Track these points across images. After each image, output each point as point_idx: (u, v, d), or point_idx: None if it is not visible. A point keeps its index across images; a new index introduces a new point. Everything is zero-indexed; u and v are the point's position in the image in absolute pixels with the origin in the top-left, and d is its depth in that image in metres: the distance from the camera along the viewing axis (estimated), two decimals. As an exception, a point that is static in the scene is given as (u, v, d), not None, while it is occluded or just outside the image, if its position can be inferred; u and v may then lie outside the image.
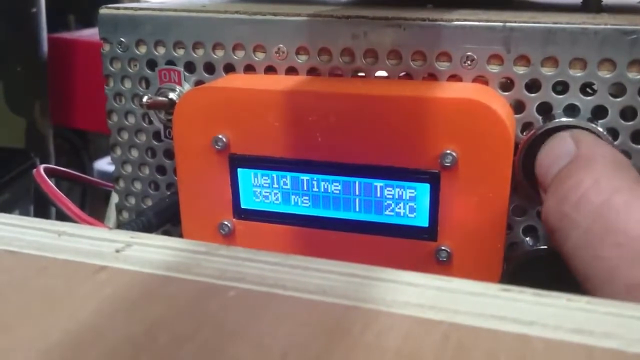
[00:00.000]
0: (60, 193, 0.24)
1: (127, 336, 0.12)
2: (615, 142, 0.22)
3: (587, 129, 0.22)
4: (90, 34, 0.69)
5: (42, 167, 0.26)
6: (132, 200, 0.30)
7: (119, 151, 0.29)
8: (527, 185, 0.23)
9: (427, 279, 0.15)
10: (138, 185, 0.29)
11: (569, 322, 0.13)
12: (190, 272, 0.15)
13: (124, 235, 0.17)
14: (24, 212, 0.64)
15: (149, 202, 0.29)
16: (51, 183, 0.25)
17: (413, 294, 0.14)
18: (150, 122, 0.28)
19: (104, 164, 0.94)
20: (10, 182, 0.61)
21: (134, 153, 0.29)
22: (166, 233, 0.29)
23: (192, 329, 0.13)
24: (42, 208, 0.62)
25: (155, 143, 0.28)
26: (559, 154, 0.21)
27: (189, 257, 0.16)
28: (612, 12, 0.25)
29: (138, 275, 0.15)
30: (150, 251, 0.16)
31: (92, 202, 0.77)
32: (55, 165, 0.33)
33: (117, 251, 0.16)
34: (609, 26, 0.21)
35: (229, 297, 0.14)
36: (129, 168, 0.29)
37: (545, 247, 0.23)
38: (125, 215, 0.30)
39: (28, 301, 0.14)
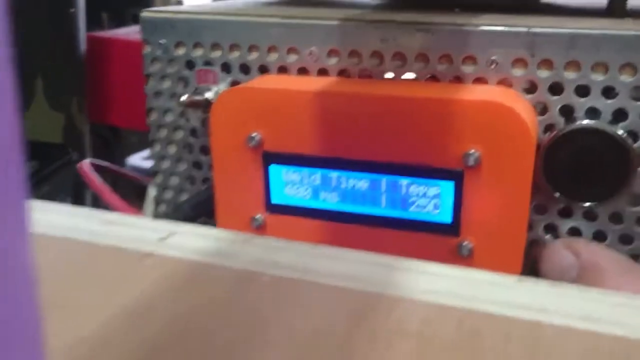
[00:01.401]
0: (105, 186, 0.26)
1: (172, 316, 0.14)
2: (636, 144, 0.23)
3: (607, 132, 0.22)
4: (125, 32, 0.72)
5: (86, 161, 0.28)
6: (169, 194, 0.31)
7: (157, 147, 0.31)
8: (548, 185, 0.24)
9: (446, 269, 0.16)
10: (175, 180, 0.31)
11: (578, 311, 0.14)
12: (227, 259, 0.16)
13: (167, 225, 0.18)
14: (65, 201, 0.67)
15: (185, 196, 0.31)
16: (96, 176, 0.27)
17: (432, 282, 0.15)
18: (188, 119, 0.29)
19: (134, 160, 0.96)
20: (49, 175, 0.64)
21: (172, 149, 0.30)
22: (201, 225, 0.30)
23: (230, 312, 0.14)
24: (80, 200, 0.65)
25: (192, 139, 0.30)
26: (562, 269, 0.22)
27: (227, 246, 0.17)
28: (636, 17, 0.26)
29: (180, 262, 0.16)
30: (191, 240, 0.17)
31: (122, 196, 0.79)
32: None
33: (161, 239, 0.17)
34: (630, 32, 0.22)
35: (263, 283, 0.15)
36: (166, 163, 0.31)
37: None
38: (162, 207, 0.32)
39: (84, 284, 0.15)
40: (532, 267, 0.24)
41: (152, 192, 0.32)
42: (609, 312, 0.14)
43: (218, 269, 0.16)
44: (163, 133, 0.30)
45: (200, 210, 0.28)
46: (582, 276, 0.22)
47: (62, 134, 0.66)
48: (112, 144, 0.77)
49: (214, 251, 0.17)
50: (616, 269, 0.22)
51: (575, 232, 0.25)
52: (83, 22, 0.64)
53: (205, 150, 0.30)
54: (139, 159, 0.97)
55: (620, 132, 0.22)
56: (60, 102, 0.63)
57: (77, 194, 0.63)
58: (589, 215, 0.24)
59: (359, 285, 0.15)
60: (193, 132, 0.30)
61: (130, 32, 0.73)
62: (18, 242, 0.07)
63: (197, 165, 0.30)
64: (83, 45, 0.65)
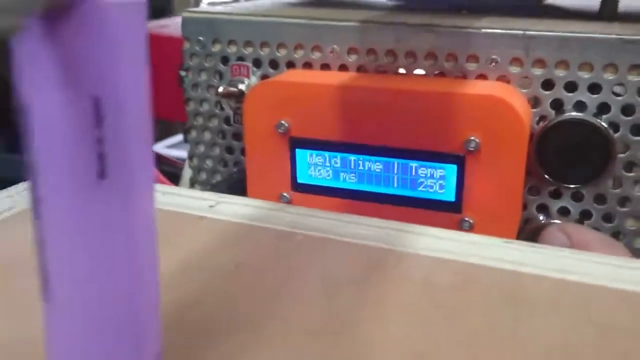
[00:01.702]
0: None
1: (224, 263, 0.17)
2: (617, 134, 0.26)
3: (592, 123, 0.26)
4: (153, 26, 0.75)
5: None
6: (204, 176, 0.35)
7: (194, 133, 0.34)
8: (539, 169, 0.27)
9: (446, 233, 0.19)
10: (209, 163, 0.34)
11: (551, 264, 0.17)
12: (267, 222, 0.20)
13: (214, 196, 0.22)
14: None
15: (218, 177, 0.34)
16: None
17: (434, 242, 0.19)
18: (222, 109, 0.33)
19: (157, 148, 1.00)
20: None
21: (207, 135, 0.34)
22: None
23: (270, 263, 0.18)
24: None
25: (226, 127, 0.33)
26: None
27: (265, 212, 0.20)
28: (626, 20, 0.29)
29: (228, 224, 0.20)
30: (235, 207, 0.21)
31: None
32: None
33: (211, 206, 0.21)
34: (612, 36, 0.25)
35: (297, 240, 0.19)
36: (202, 148, 0.34)
37: (554, 221, 0.28)
38: (197, 187, 0.35)
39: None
40: (524, 239, 0.28)
41: (187, 173, 0.36)
42: (577, 265, 0.17)
43: (260, 230, 0.19)
44: (199, 121, 0.34)
45: (233, 190, 0.32)
46: None
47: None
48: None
49: (255, 216, 0.20)
50: (601, 247, 0.25)
51: (564, 211, 0.28)
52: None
53: (236, 136, 0.33)
54: (162, 147, 1.01)
55: (603, 123, 0.26)
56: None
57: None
58: (576, 196, 0.28)
59: (373, 243, 0.18)
60: (227, 120, 0.33)
61: (153, 27, 0.77)
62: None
63: (229, 149, 0.34)
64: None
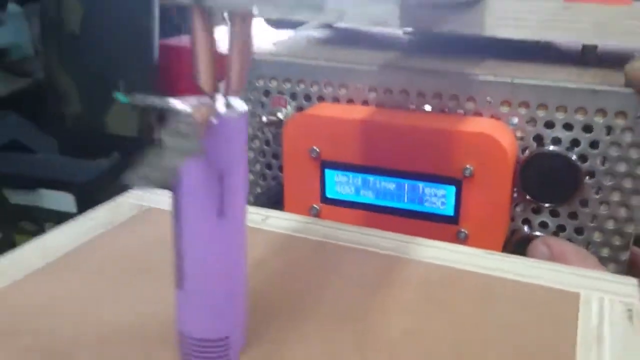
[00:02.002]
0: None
1: (275, 266, 0.24)
2: (585, 164, 0.32)
3: (565, 155, 0.32)
4: (185, 40, 0.82)
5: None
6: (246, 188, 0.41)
7: (239, 151, 0.41)
8: (523, 190, 0.33)
9: (441, 244, 0.26)
10: (251, 177, 0.41)
11: (519, 271, 0.24)
12: (305, 234, 0.26)
13: (263, 211, 0.29)
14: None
15: (258, 190, 0.41)
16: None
17: (432, 251, 0.25)
18: (263, 132, 0.40)
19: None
20: (128, 164, 0.75)
21: (250, 154, 0.41)
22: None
23: (308, 264, 0.24)
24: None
25: (266, 147, 0.40)
26: (539, 258, 0.32)
27: (304, 225, 0.27)
28: (604, 63, 0.35)
29: (276, 234, 0.26)
30: (281, 221, 0.28)
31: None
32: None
33: (263, 220, 0.28)
34: (583, 86, 0.31)
35: (328, 248, 0.25)
36: (245, 164, 0.41)
37: (535, 233, 0.34)
38: (240, 197, 0.42)
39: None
40: (511, 249, 0.34)
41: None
42: (538, 273, 0.24)
43: (299, 239, 0.26)
44: (244, 141, 0.40)
45: (272, 201, 0.38)
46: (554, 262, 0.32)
47: (137, 128, 0.77)
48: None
49: (295, 228, 0.27)
50: (575, 257, 0.31)
51: (544, 224, 0.34)
52: (157, 33, 0.75)
53: (275, 156, 0.40)
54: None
55: (574, 156, 0.32)
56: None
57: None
58: (553, 213, 0.34)
59: (385, 252, 0.25)
60: (267, 142, 0.40)
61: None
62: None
63: (268, 166, 0.40)
64: (157, 52, 0.75)
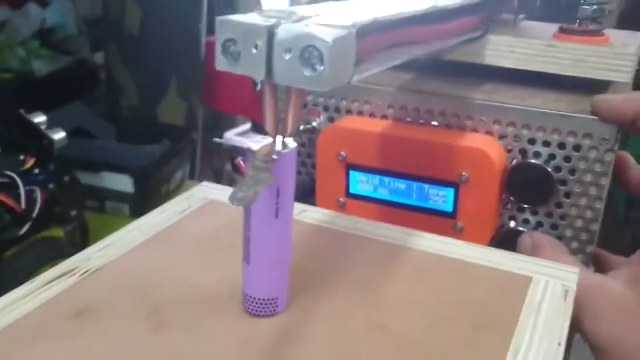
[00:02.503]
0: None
1: (308, 249, 0.33)
2: (559, 174, 0.40)
3: (543, 167, 0.40)
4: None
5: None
6: (284, 180, 0.50)
7: (279, 151, 0.49)
8: (509, 193, 0.41)
9: (436, 237, 0.34)
10: (289, 172, 0.50)
11: (493, 259, 0.32)
12: (334, 225, 0.35)
13: (300, 206, 0.37)
14: (184, 175, 0.87)
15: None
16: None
17: (428, 242, 0.33)
18: (300, 136, 0.48)
19: (229, 134, 1.17)
20: (178, 152, 0.84)
21: (288, 153, 0.49)
22: (303, 202, 0.49)
23: (331, 250, 0.33)
24: (193, 170, 0.85)
25: (302, 149, 0.48)
26: (524, 247, 0.40)
27: (330, 218, 0.36)
28: (579, 89, 0.42)
29: (309, 225, 0.35)
30: (314, 214, 0.36)
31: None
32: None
33: (300, 213, 0.36)
34: (559, 112, 0.39)
35: (346, 237, 0.34)
36: (284, 161, 0.50)
37: (519, 228, 0.42)
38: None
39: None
40: (498, 239, 0.42)
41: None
42: (504, 261, 0.32)
43: (325, 229, 0.35)
44: (283, 143, 0.49)
45: (306, 193, 0.47)
46: (533, 251, 0.40)
47: (185, 118, 0.86)
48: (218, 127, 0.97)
49: (323, 220, 0.36)
50: (550, 247, 0.39)
51: (526, 221, 0.42)
52: (204, 31, 0.83)
53: (309, 156, 0.48)
54: (232, 134, 1.18)
55: (549, 168, 0.40)
56: (185, 93, 0.83)
57: (192, 165, 0.83)
58: (534, 212, 0.42)
59: (392, 241, 0.33)
60: (302, 144, 0.48)
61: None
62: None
63: (303, 164, 0.49)
64: (203, 49, 0.84)
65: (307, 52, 0.22)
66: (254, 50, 0.23)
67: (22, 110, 0.63)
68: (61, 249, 0.66)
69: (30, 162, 0.64)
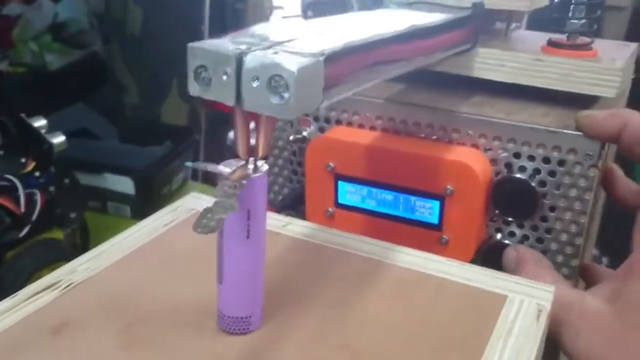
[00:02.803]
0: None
1: (290, 263, 0.33)
2: (544, 188, 0.40)
3: (527, 181, 0.40)
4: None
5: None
6: (276, 188, 0.51)
7: (271, 159, 0.50)
8: (494, 207, 0.42)
9: (416, 252, 0.34)
10: (280, 180, 0.50)
11: (469, 276, 0.32)
12: (316, 239, 0.35)
13: (285, 218, 0.38)
14: (187, 176, 0.88)
15: (285, 190, 0.50)
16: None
17: (408, 258, 0.34)
18: (291, 145, 0.49)
19: (232, 135, 1.17)
20: (180, 152, 0.85)
21: (280, 161, 0.50)
22: (295, 209, 0.50)
23: (313, 262, 0.33)
24: (195, 172, 0.86)
25: (293, 158, 0.49)
26: (508, 262, 0.40)
27: (313, 232, 0.36)
28: (569, 102, 0.42)
29: (293, 239, 0.36)
30: (298, 227, 0.37)
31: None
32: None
33: (283, 226, 0.37)
34: (544, 127, 0.39)
35: (329, 251, 0.34)
36: (276, 169, 0.50)
37: (505, 241, 0.42)
38: (271, 196, 0.51)
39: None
40: (483, 252, 0.42)
41: (265, 185, 0.52)
42: (482, 279, 0.32)
43: (310, 244, 0.35)
44: (275, 152, 0.50)
45: (296, 201, 0.48)
46: (517, 265, 0.40)
47: (187, 119, 0.86)
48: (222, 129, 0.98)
49: (307, 234, 0.36)
50: (534, 261, 0.39)
51: (512, 233, 0.42)
52: (207, 33, 0.84)
53: (299, 164, 0.49)
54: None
55: (534, 183, 0.40)
56: (187, 94, 0.83)
57: (195, 169, 0.84)
58: (520, 225, 0.42)
59: (373, 256, 0.34)
60: (294, 153, 0.49)
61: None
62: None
63: (294, 172, 0.49)
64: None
65: (274, 80, 0.23)
66: (224, 77, 0.24)
67: (22, 115, 0.65)
68: (61, 251, 0.67)
69: (31, 165, 0.66)
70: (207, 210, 0.23)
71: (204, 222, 0.22)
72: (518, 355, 0.27)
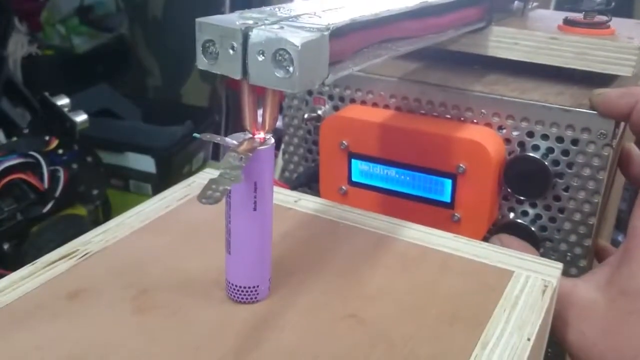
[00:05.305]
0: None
1: (300, 236, 0.34)
2: (557, 167, 0.40)
3: (540, 160, 0.40)
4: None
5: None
6: (291, 166, 0.51)
7: (287, 137, 0.51)
8: (507, 186, 0.42)
9: (423, 228, 0.35)
10: (296, 158, 0.51)
11: (472, 252, 0.33)
12: (325, 214, 0.36)
13: (297, 194, 0.38)
14: (207, 156, 0.89)
15: (301, 169, 0.51)
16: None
17: (415, 233, 0.34)
18: (306, 124, 0.49)
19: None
20: (200, 132, 0.86)
21: (296, 140, 0.50)
22: (309, 187, 0.50)
23: (323, 238, 0.34)
24: (216, 153, 0.87)
25: (308, 136, 0.49)
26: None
27: (325, 208, 0.37)
28: (586, 81, 0.42)
29: (304, 214, 0.36)
30: (309, 203, 0.37)
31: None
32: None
33: (295, 201, 0.37)
34: (557, 106, 0.39)
35: (338, 226, 0.35)
36: (291, 148, 0.51)
37: (517, 220, 0.42)
38: (286, 174, 0.52)
39: (263, 219, 0.36)
40: (495, 230, 0.43)
41: (279, 163, 0.52)
42: (487, 254, 0.33)
43: (320, 219, 0.36)
44: (291, 130, 0.50)
45: (310, 179, 0.48)
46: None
47: (208, 100, 0.87)
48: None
49: (319, 210, 0.37)
50: (519, 249, 0.39)
51: (525, 213, 0.42)
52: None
53: (315, 143, 0.49)
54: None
55: (548, 161, 0.40)
56: (208, 75, 0.84)
57: (216, 147, 0.85)
58: (532, 204, 0.42)
59: (381, 232, 0.34)
60: (309, 132, 0.49)
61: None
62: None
63: (309, 151, 0.50)
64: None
65: (279, 54, 0.23)
66: (231, 52, 0.24)
67: (46, 93, 0.66)
68: (84, 227, 0.68)
69: (55, 142, 0.67)
70: (212, 181, 0.23)
71: (208, 193, 0.23)
72: (521, 328, 0.27)
